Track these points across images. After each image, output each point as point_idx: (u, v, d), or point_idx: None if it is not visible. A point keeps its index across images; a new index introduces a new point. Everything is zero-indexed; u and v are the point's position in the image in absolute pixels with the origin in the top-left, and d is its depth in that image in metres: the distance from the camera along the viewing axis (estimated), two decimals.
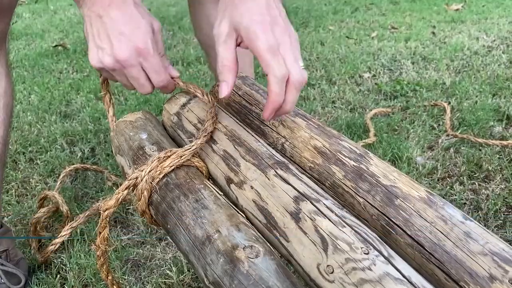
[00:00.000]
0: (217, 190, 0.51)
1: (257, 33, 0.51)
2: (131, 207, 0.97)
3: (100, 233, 0.52)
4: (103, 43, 0.58)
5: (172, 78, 0.62)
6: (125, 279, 0.91)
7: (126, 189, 0.52)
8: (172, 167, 0.53)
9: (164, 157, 0.53)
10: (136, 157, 0.59)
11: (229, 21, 0.54)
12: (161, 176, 0.53)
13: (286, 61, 0.51)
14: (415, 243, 0.44)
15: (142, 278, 0.92)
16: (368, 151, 0.55)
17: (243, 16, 0.52)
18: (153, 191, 0.53)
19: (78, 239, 1.00)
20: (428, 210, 0.45)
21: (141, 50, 0.57)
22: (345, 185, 0.51)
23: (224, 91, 0.55)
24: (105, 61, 0.58)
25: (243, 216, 0.45)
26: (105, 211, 0.51)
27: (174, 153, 0.54)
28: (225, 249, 0.40)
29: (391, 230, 0.46)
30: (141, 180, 0.52)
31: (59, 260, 0.96)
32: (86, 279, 0.91)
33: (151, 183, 0.53)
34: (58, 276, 0.92)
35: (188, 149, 0.55)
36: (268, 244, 0.41)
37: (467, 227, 0.43)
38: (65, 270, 0.93)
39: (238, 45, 0.55)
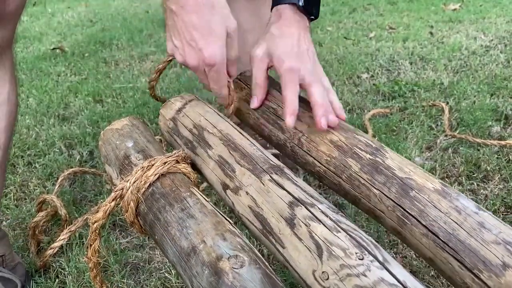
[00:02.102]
0: (204, 197, 0.50)
1: (283, 59, 0.64)
2: (122, 217, 0.97)
3: (90, 245, 0.52)
4: (176, 40, 0.61)
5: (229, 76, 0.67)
6: (124, 283, 0.91)
7: (113, 200, 0.52)
8: (157, 175, 0.53)
9: (148, 166, 0.53)
10: (122, 167, 0.59)
11: (266, 48, 0.67)
12: (146, 185, 0.52)
13: (305, 80, 0.63)
14: (429, 233, 0.45)
15: (141, 281, 0.92)
16: (383, 145, 0.56)
17: (278, 47, 0.65)
18: (140, 201, 0.53)
19: (77, 243, 1.00)
20: (442, 201, 0.46)
21: (207, 61, 0.60)
22: (361, 177, 0.52)
23: (254, 103, 0.67)
24: (177, 58, 0.63)
25: (230, 223, 0.45)
26: (93, 223, 0.51)
27: (158, 161, 0.54)
28: (210, 261, 0.40)
29: (406, 220, 0.47)
30: (127, 191, 0.52)
31: (58, 264, 0.96)
32: (85, 283, 0.90)
33: (136, 193, 0.52)
34: (57, 280, 0.92)
35: (171, 155, 0.55)
36: (255, 252, 0.41)
37: (480, 217, 0.43)
38: (64, 274, 0.93)
39: (268, 68, 0.68)
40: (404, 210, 0.48)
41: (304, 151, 0.59)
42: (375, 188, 0.51)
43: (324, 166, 0.56)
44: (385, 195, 0.50)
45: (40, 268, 0.96)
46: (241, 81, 0.74)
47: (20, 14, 0.82)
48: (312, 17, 0.72)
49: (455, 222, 0.44)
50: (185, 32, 0.58)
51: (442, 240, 0.44)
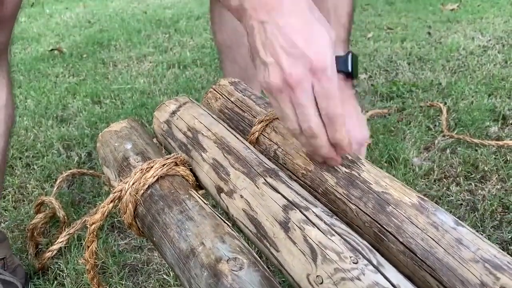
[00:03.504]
0: (203, 200, 0.50)
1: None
2: (120, 218, 0.98)
3: (88, 247, 0.52)
4: (268, 56, 0.46)
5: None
6: (122, 284, 0.91)
7: (111, 202, 0.52)
8: (156, 177, 0.53)
9: (147, 168, 0.53)
10: (121, 169, 0.59)
11: None
12: (145, 187, 0.52)
13: None
14: (407, 250, 0.44)
15: (140, 283, 0.92)
16: (360, 157, 0.56)
17: None
18: (138, 203, 0.53)
19: (75, 245, 1.00)
20: (419, 216, 0.45)
21: (314, 64, 0.44)
22: (337, 192, 0.51)
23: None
24: (271, 79, 0.46)
25: (228, 226, 0.45)
26: (91, 225, 0.51)
27: (157, 163, 0.54)
28: (209, 262, 0.40)
29: (383, 237, 0.46)
30: (125, 193, 0.52)
31: (56, 266, 0.96)
32: (84, 285, 0.91)
33: (135, 195, 0.52)
34: (56, 282, 0.92)
35: (170, 158, 0.55)
36: (254, 255, 0.41)
37: (458, 233, 0.43)
38: (62, 276, 0.93)
39: None
40: (381, 226, 0.47)
41: (280, 164, 0.58)
42: (352, 203, 0.50)
43: (301, 180, 0.56)
44: (361, 210, 0.49)
45: (38, 270, 0.96)
46: (215, 91, 0.72)
47: (16, 17, 0.82)
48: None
49: (433, 239, 0.43)
50: (281, 39, 0.45)
51: (419, 258, 0.43)
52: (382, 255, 0.41)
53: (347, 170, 0.52)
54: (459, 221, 0.45)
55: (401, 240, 0.45)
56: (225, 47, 1.16)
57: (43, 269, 0.97)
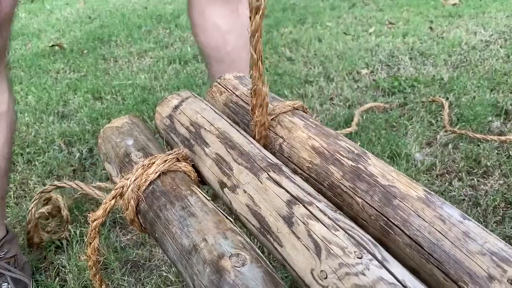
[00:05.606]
0: (205, 195, 0.50)
1: None
2: (122, 214, 0.98)
3: (90, 243, 0.52)
4: None
5: None
6: (124, 280, 0.91)
7: (113, 198, 0.52)
8: (157, 174, 0.53)
9: (149, 164, 0.53)
10: (122, 165, 0.59)
11: None
12: (147, 183, 0.52)
13: None
14: (413, 243, 0.44)
15: (142, 279, 0.92)
16: (366, 151, 0.55)
17: None
18: (140, 199, 0.53)
19: (77, 240, 1.00)
20: (426, 209, 0.45)
21: None
22: (343, 185, 0.51)
23: None
24: None
25: (231, 221, 0.45)
26: (93, 221, 0.51)
27: (158, 159, 0.54)
28: (211, 259, 0.40)
29: (390, 230, 0.46)
30: (127, 189, 0.52)
31: (58, 262, 0.96)
32: (86, 281, 0.91)
33: (137, 191, 0.52)
34: (58, 278, 0.92)
35: (171, 153, 0.55)
36: (256, 251, 0.41)
37: (465, 227, 0.43)
38: (65, 272, 0.93)
39: None
40: (388, 219, 0.47)
41: (285, 157, 0.58)
42: (358, 196, 0.50)
43: (306, 173, 0.56)
44: (367, 203, 0.49)
45: (34, 245, 0.97)
46: (220, 85, 0.72)
47: (12, 20, 0.81)
48: None
49: (440, 232, 0.43)
50: None
51: (426, 251, 0.43)
52: (389, 248, 0.41)
53: (353, 164, 0.52)
54: (466, 215, 0.45)
55: (407, 233, 0.45)
56: (210, 48, 1.12)
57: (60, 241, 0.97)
